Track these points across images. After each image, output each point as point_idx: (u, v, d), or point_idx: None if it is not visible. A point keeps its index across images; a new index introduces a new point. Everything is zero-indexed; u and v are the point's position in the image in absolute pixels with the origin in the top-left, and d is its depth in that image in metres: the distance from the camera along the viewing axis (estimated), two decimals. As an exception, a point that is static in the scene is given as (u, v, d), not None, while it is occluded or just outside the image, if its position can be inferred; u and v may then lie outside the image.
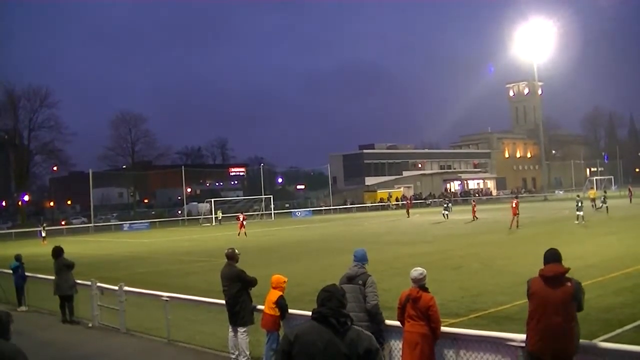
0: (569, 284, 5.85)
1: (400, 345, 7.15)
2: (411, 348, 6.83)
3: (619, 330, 9.61)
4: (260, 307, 9.11)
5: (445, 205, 49.35)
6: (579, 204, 34.96)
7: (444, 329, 7.04)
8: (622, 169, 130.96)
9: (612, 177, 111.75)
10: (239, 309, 9.21)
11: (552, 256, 6.10)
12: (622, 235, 26.11)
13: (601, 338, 8.81)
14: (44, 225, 54.62)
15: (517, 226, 33.44)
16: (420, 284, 7.00)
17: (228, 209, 74.74)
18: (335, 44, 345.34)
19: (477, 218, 43.07)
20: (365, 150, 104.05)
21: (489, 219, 45.51)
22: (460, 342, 6.87)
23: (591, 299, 12.05)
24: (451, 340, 6.94)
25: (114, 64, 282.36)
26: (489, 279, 15.79)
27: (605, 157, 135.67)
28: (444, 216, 46.36)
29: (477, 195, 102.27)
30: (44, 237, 47.27)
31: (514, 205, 34.34)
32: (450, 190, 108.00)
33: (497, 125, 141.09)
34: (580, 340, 5.98)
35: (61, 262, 13.96)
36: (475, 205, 46.42)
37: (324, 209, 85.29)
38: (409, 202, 70.17)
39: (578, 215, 34.53)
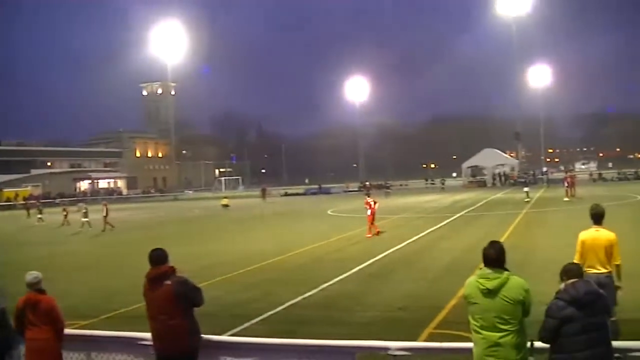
0: (168, 282, 5.94)
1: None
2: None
3: (247, 324, 10.12)
4: None
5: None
6: (85, 211, 35.63)
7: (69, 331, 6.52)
8: (250, 169, 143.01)
9: (240, 178, 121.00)
10: None
11: (157, 258, 6.12)
12: (253, 234, 27.92)
13: (229, 333, 9.15)
14: None
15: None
16: (36, 288, 6.49)
17: None
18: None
19: (66, 223, 38.46)
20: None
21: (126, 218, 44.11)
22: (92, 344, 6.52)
23: (221, 296, 12.58)
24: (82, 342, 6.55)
25: None
26: (118, 279, 15.33)
27: (233, 158, 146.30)
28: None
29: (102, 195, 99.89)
30: None
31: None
32: (80, 189, 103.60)
33: (133, 124, 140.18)
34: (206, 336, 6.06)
35: None
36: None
37: None
38: (31, 202, 64.23)
39: (84, 222, 34.65)
